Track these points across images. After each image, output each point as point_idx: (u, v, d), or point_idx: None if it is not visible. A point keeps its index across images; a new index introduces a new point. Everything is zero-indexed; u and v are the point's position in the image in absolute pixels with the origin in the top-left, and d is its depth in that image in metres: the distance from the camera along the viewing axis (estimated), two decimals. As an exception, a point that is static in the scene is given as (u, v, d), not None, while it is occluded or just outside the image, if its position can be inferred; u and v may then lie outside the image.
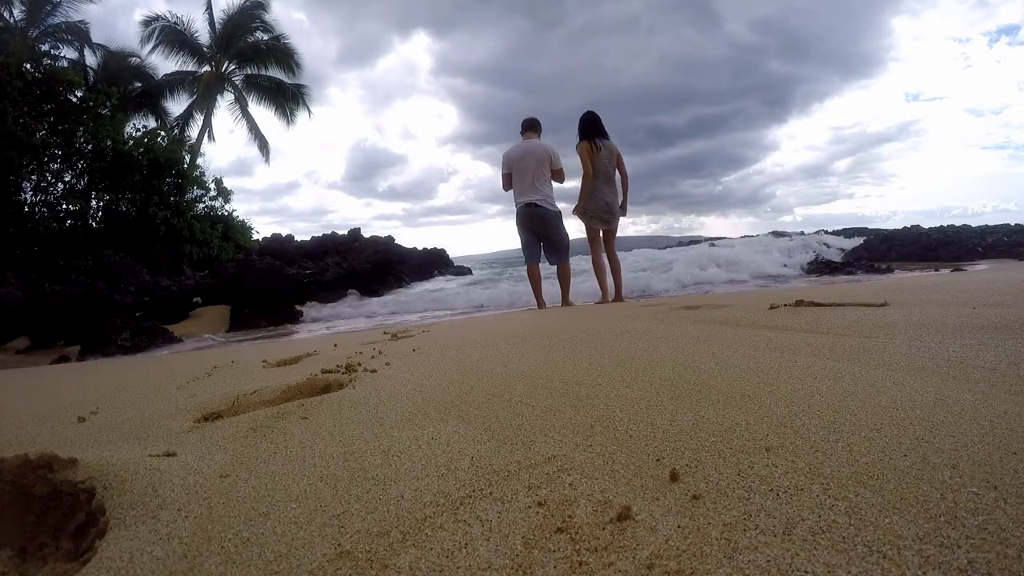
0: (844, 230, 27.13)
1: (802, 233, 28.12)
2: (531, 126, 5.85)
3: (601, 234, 5.96)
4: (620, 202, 5.91)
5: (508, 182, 5.77)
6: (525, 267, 5.97)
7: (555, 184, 5.82)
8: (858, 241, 20.52)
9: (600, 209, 5.79)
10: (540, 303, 5.78)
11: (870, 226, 28.26)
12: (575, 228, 6.17)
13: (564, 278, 5.77)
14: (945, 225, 24.19)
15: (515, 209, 5.78)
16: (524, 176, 5.63)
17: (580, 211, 5.85)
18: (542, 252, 5.87)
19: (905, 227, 25.11)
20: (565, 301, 5.73)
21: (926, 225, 23.94)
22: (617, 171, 5.84)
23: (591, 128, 5.76)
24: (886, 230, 25.19)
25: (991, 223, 23.57)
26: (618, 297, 5.86)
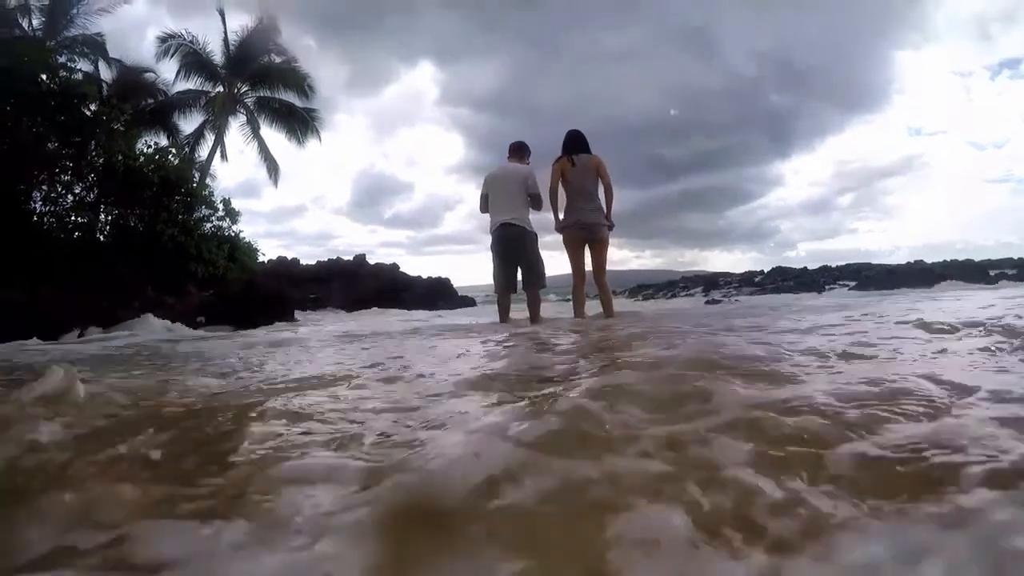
0: (847, 265, 27.18)
1: (805, 269, 28.15)
2: (515, 150, 5.74)
3: (588, 257, 5.61)
4: (605, 214, 5.55)
5: (485, 204, 5.61)
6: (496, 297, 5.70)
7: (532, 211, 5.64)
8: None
9: (577, 226, 5.54)
10: (503, 318, 5.54)
11: (873, 261, 28.39)
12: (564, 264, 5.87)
13: (534, 300, 5.51)
14: (948, 260, 24.26)
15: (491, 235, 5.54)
16: (500, 197, 5.49)
17: (559, 227, 5.62)
18: (518, 283, 5.62)
19: (908, 262, 25.15)
20: (535, 320, 5.38)
21: (929, 260, 24.00)
22: (600, 182, 5.57)
23: (569, 144, 5.63)
24: (889, 265, 25.21)
25: (994, 257, 23.67)
26: (609, 313, 5.48)
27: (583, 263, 5.61)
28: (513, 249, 5.46)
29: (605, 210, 5.50)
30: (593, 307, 5.83)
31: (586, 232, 5.51)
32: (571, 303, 5.62)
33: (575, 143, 5.60)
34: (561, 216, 5.60)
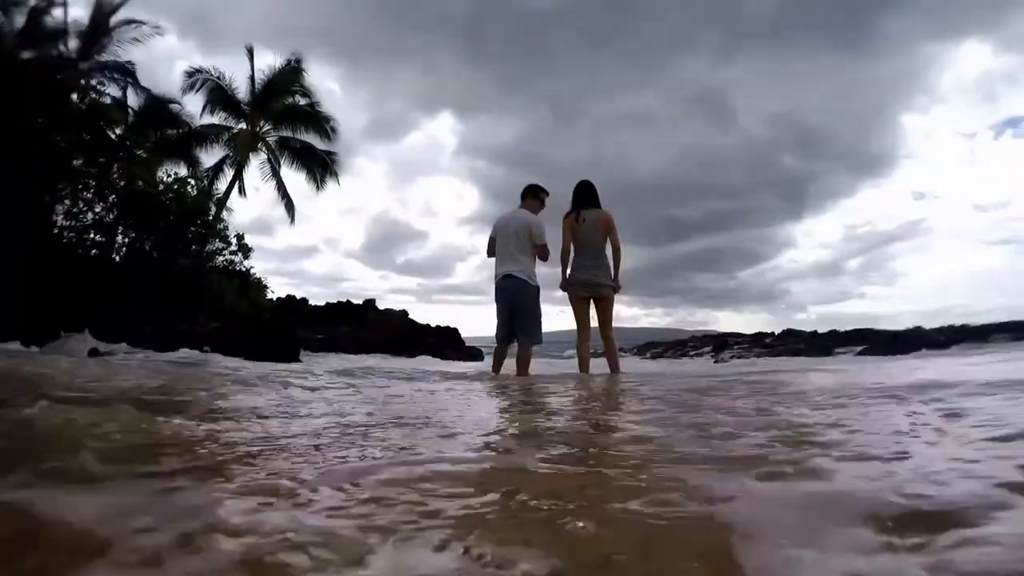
0: (855, 330, 27.07)
1: (815, 332, 28.05)
2: (525, 193, 5.49)
3: (592, 311, 5.45)
4: (613, 275, 5.45)
5: (492, 248, 5.40)
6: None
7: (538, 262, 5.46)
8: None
9: (580, 284, 5.40)
10: (495, 369, 5.47)
11: (878, 326, 28.28)
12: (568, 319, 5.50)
13: (523, 354, 5.29)
14: (945, 325, 24.40)
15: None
16: (505, 245, 5.26)
17: (564, 285, 5.49)
18: (515, 334, 5.40)
19: (908, 328, 25.19)
20: (520, 373, 5.17)
21: (927, 326, 24.02)
22: (608, 240, 5.42)
23: (579, 197, 5.46)
24: (893, 331, 25.19)
25: (996, 320, 23.69)
26: (614, 370, 5.32)
27: (587, 321, 5.43)
28: (511, 301, 5.26)
29: (612, 269, 5.41)
30: (597, 365, 5.60)
31: (590, 290, 5.38)
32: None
33: (585, 196, 5.43)
34: (568, 272, 5.48)
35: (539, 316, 5.35)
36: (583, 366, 5.31)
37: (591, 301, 5.41)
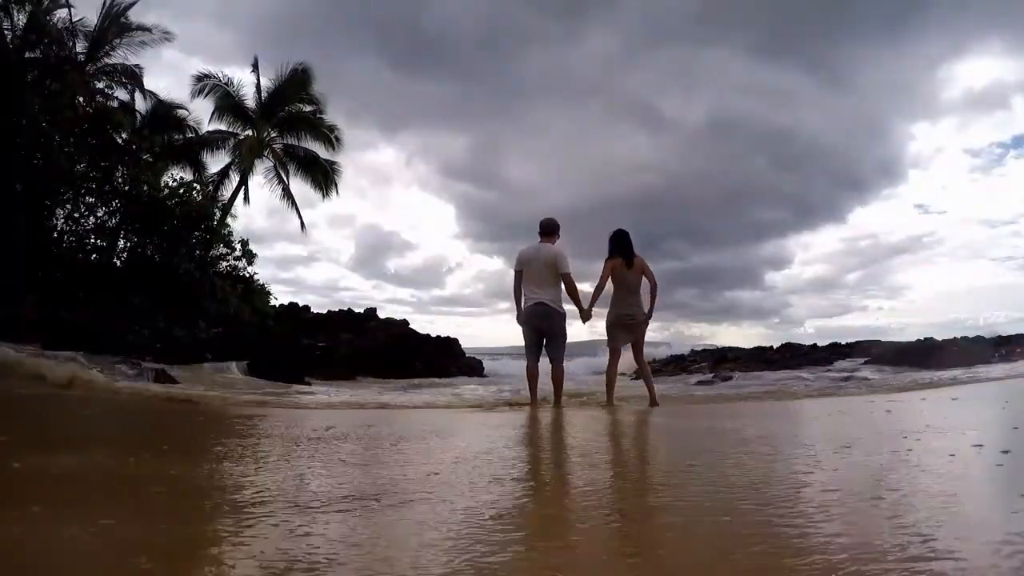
0: (856, 343, 26.81)
1: (815, 345, 27.88)
2: (546, 230, 6.06)
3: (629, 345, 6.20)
4: (647, 309, 6.17)
5: (519, 279, 5.95)
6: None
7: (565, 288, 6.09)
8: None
9: (625, 316, 6.08)
10: (533, 400, 5.93)
11: (883, 339, 27.96)
12: (581, 330, 6.49)
13: (557, 382, 5.93)
14: (958, 336, 24.06)
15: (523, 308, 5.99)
16: (533, 277, 5.86)
17: (585, 316, 6.14)
18: (543, 352, 6.02)
19: (918, 339, 24.97)
20: (557, 403, 5.89)
21: (939, 337, 23.69)
22: (645, 279, 6.12)
23: (622, 247, 6.08)
24: (900, 342, 24.96)
25: (1005, 333, 23.44)
26: (653, 402, 5.95)
27: (620, 350, 6.17)
28: (540, 324, 5.86)
29: (648, 304, 6.18)
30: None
31: (629, 321, 6.10)
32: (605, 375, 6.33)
33: (627, 245, 6.08)
34: (605, 309, 6.17)
35: (565, 337, 5.98)
36: (611, 394, 6.02)
37: (628, 330, 6.12)
